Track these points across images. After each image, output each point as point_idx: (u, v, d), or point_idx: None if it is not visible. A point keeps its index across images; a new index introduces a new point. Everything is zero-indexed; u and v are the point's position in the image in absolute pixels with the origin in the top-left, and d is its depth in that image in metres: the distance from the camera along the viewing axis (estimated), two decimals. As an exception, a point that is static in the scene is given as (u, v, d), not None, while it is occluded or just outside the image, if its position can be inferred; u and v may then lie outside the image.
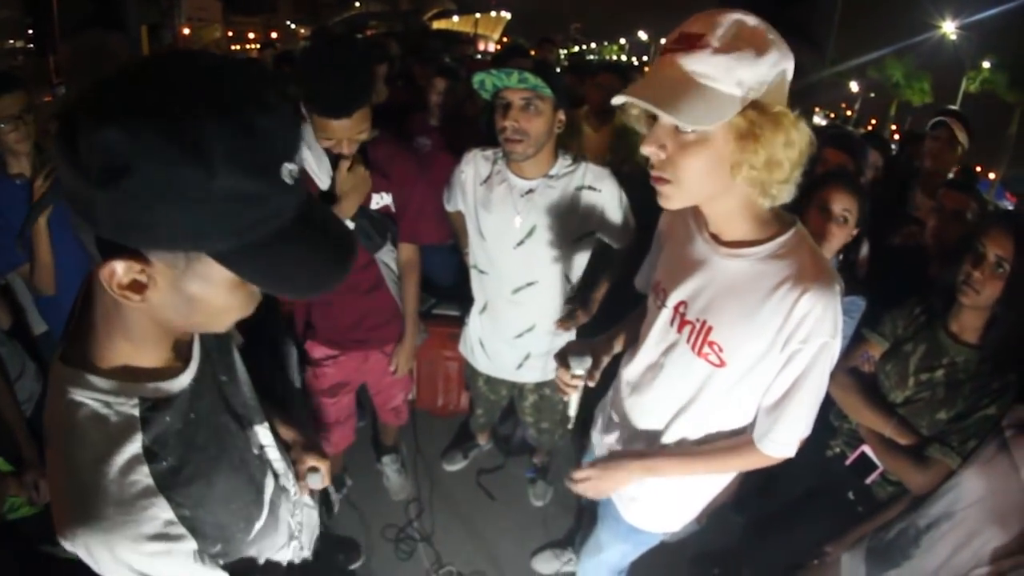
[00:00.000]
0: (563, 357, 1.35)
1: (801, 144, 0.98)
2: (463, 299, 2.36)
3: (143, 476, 0.72)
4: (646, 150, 1.01)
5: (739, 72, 0.91)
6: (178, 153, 0.55)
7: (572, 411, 1.42)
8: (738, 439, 1.29)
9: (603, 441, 1.52)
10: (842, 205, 1.80)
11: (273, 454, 1.05)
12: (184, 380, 0.80)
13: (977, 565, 1.36)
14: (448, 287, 2.98)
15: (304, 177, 0.60)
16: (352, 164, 1.76)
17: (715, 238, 1.18)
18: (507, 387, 2.41)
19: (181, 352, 0.82)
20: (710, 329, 1.18)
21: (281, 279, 0.67)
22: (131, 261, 0.62)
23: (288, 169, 0.63)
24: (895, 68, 32.64)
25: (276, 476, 1.05)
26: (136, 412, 0.74)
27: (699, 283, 1.20)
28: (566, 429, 1.46)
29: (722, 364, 1.18)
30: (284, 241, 0.65)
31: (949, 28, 27.42)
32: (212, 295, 0.68)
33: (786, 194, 1.03)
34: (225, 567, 0.86)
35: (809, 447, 1.26)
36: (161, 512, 0.74)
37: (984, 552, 1.35)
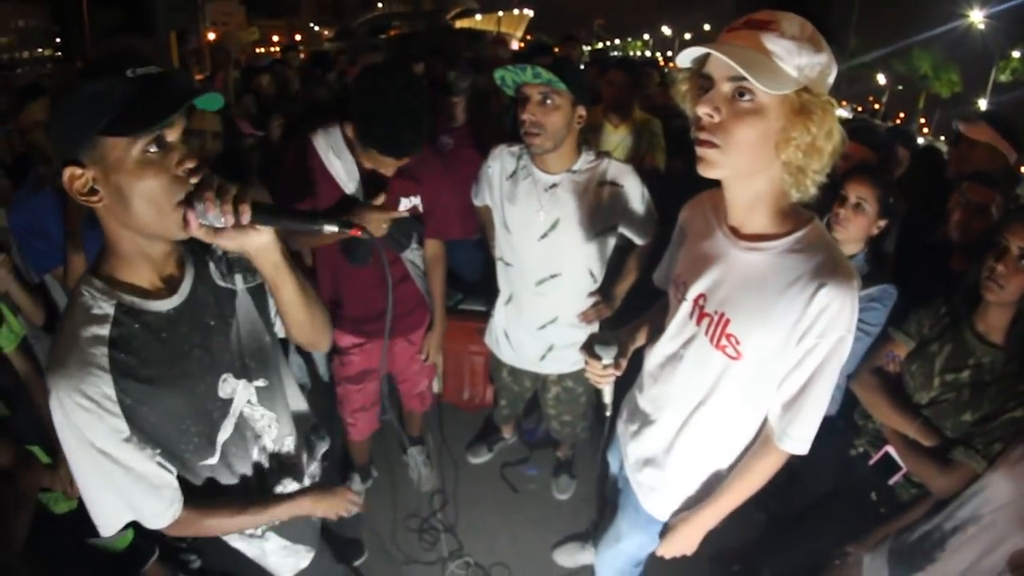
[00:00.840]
0: (589, 347, 1.37)
1: (837, 139, 1.04)
2: (489, 294, 2.40)
3: (101, 354, 0.97)
4: (701, 110, 1.05)
5: (799, 58, 1.00)
6: (68, 96, 0.90)
7: (608, 399, 1.43)
8: (754, 450, 1.32)
9: (627, 431, 1.55)
10: (857, 193, 1.80)
11: (248, 412, 1.21)
12: (160, 306, 1.05)
13: (1004, 570, 1.34)
14: (474, 282, 3.02)
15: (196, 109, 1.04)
16: (383, 207, 1.84)
17: (734, 231, 1.20)
18: (530, 379, 2.44)
19: (170, 285, 1.07)
20: (728, 322, 1.20)
21: (136, 124, 0.91)
22: (72, 167, 0.91)
23: (131, 70, 0.91)
24: (923, 59, 31.74)
25: (240, 428, 1.20)
26: (112, 311, 1.00)
27: (718, 276, 1.23)
28: (604, 416, 1.48)
29: (739, 356, 1.20)
30: (132, 109, 0.91)
31: (977, 17, 26.70)
32: (129, 181, 0.92)
33: (813, 189, 1.08)
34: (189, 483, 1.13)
35: (832, 446, 1.25)
36: (104, 385, 0.97)
37: None
